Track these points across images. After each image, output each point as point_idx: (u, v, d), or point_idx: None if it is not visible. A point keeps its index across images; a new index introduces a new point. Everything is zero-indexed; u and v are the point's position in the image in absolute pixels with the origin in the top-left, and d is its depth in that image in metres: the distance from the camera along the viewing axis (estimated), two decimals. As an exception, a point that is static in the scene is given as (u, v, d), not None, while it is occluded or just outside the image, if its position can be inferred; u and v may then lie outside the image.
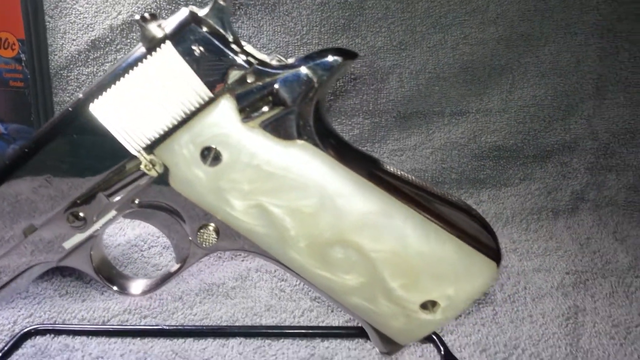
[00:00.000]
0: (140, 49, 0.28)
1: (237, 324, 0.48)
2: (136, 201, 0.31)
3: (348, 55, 0.28)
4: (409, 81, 0.70)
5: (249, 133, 0.29)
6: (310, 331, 0.46)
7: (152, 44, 0.28)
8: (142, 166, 0.30)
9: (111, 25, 0.67)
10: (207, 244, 0.32)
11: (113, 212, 0.32)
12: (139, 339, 0.45)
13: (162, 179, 0.30)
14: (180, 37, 0.28)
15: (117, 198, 0.31)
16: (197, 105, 0.29)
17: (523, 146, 0.71)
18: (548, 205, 0.68)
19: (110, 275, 0.35)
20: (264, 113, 0.28)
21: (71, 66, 0.66)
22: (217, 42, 0.28)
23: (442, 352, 0.44)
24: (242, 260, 0.57)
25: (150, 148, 0.30)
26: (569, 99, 0.71)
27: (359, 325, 0.47)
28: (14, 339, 0.44)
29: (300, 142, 0.29)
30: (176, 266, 0.34)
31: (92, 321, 0.47)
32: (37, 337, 0.45)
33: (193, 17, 0.28)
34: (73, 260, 0.33)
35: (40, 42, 0.52)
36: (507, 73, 0.70)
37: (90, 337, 0.45)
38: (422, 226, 0.30)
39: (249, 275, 0.54)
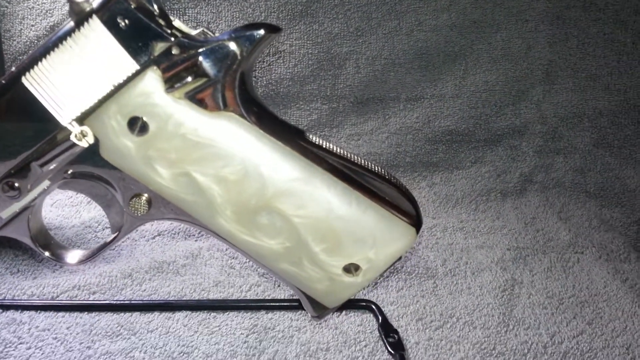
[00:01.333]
0: (70, 23, 0.30)
1: (184, 299, 0.49)
2: (69, 171, 0.33)
3: (271, 29, 0.30)
4: (365, 67, 0.72)
5: (175, 104, 0.30)
6: (253, 304, 0.48)
7: (80, 18, 0.29)
8: (72, 137, 0.31)
9: (68, 9, 0.67)
10: (138, 212, 0.33)
11: (47, 182, 0.33)
12: (86, 313, 0.47)
13: (93, 149, 0.32)
14: (106, 11, 0.29)
15: (50, 167, 0.32)
16: (124, 77, 0.30)
17: (475, 130, 0.73)
18: (497, 187, 0.70)
19: (47, 244, 0.36)
20: (187, 83, 0.29)
21: (29, 52, 0.66)
22: (141, 16, 0.29)
23: (380, 321, 0.46)
24: (195, 240, 0.58)
25: (80, 119, 0.31)
26: (519, 84, 0.74)
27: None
28: (-38, 314, 0.45)
29: (225, 113, 0.31)
30: (112, 236, 0.35)
31: (41, 297, 0.48)
32: (-14, 311, 0.46)
33: (117, -11, 0.29)
34: (11, 230, 0.34)
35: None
36: (460, 59, 0.73)
37: (38, 311, 0.46)
38: (344, 194, 0.32)
39: (200, 253, 0.55)
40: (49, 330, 0.44)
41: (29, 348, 0.42)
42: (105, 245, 0.35)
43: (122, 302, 0.47)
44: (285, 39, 0.71)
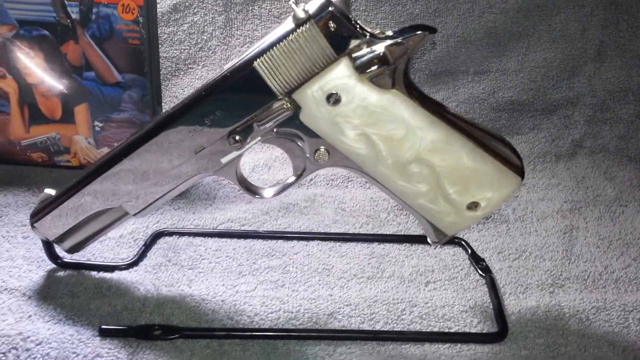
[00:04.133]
0: (290, 24, 0.42)
1: (313, 231, 0.62)
2: (274, 130, 0.45)
3: (430, 30, 0.42)
4: (441, 44, 0.83)
5: (360, 83, 0.42)
6: (370, 237, 0.61)
7: (300, 22, 0.41)
8: (284, 105, 0.43)
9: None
10: (321, 161, 0.46)
11: (258, 137, 0.45)
12: (242, 239, 0.60)
13: (295, 114, 0.44)
14: (320, 17, 0.41)
15: (264, 127, 0.44)
16: (326, 64, 0.42)
17: (534, 101, 0.84)
18: (552, 150, 0.82)
19: (246, 185, 0.49)
20: (372, 70, 0.41)
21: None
22: (344, 20, 0.41)
23: (469, 252, 0.59)
24: (307, 188, 0.71)
25: (290, 93, 0.43)
26: (574, 61, 0.84)
27: (406, 234, 0.63)
28: (151, 237, 0.58)
29: (393, 90, 0.43)
30: (293, 178, 0.48)
31: (204, 227, 0.62)
32: (166, 237, 0.60)
33: (328, 2, 0.41)
34: (224, 172, 0.47)
35: (152, 6, 0.64)
36: (524, 38, 0.83)
37: (206, 237, 0.60)
38: (472, 150, 0.44)
39: (316, 198, 0.68)
40: (220, 250, 0.58)
41: (210, 262, 0.56)
42: (292, 184, 0.48)
43: (269, 232, 0.61)
44: (372, 18, 0.82)
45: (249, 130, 0.44)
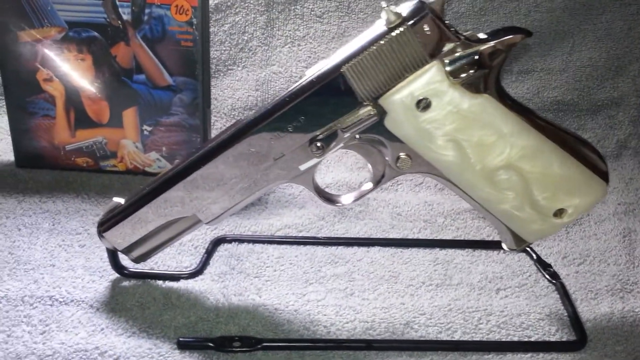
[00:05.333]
0: (381, 27, 0.40)
1: (372, 237, 0.61)
2: (356, 136, 0.44)
3: (526, 33, 0.41)
4: (484, 43, 0.81)
5: (452, 88, 0.41)
6: (433, 243, 0.60)
7: (393, 25, 0.39)
8: (371, 111, 0.42)
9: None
10: (404, 168, 0.44)
11: (341, 144, 0.44)
12: (302, 245, 0.59)
13: (381, 120, 0.43)
14: (415, 20, 0.39)
15: (348, 134, 0.43)
16: (418, 69, 0.41)
17: (578, 101, 0.83)
18: (598, 151, 0.81)
19: (321, 192, 0.47)
20: (467, 74, 0.40)
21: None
22: (439, 23, 0.39)
23: (535, 258, 0.58)
24: (357, 191, 0.70)
25: (376, 98, 0.42)
26: (619, 61, 0.83)
27: (467, 239, 0.61)
28: (212, 244, 0.57)
29: (484, 94, 0.41)
30: (371, 185, 0.47)
31: (261, 233, 0.60)
32: (225, 244, 0.58)
33: (422, 4, 0.39)
34: (300, 180, 0.46)
35: (205, 7, 0.62)
36: (569, 37, 0.82)
37: (265, 244, 0.59)
38: (562, 156, 0.43)
39: (369, 203, 0.67)
40: (282, 257, 0.57)
41: (275, 270, 0.55)
42: (370, 190, 0.47)
43: (328, 238, 0.60)
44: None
45: (333, 137, 0.43)
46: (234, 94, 0.81)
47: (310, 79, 0.42)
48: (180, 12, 0.61)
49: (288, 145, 0.44)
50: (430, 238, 0.62)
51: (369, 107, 0.42)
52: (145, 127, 0.66)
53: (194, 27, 0.62)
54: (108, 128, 0.67)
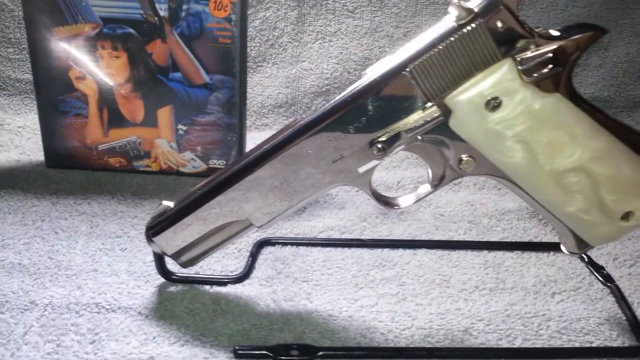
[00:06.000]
0: (450, 24, 0.38)
1: (417, 239, 0.59)
2: (419, 137, 0.42)
3: (602, 30, 0.39)
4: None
5: (524, 87, 0.39)
6: (482, 245, 0.59)
7: (465, 21, 0.38)
8: (436, 111, 0.40)
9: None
10: (467, 170, 0.43)
11: (402, 145, 0.42)
12: (346, 248, 0.57)
13: (446, 121, 0.41)
14: (489, 16, 0.37)
15: (411, 135, 0.41)
16: (489, 66, 0.39)
17: (615, 97, 0.81)
18: (636, 149, 0.79)
19: (379, 196, 0.46)
20: (540, 72, 0.38)
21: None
22: (513, 19, 0.38)
23: (587, 260, 0.57)
24: (396, 191, 0.68)
25: (442, 97, 0.40)
26: (657, 56, 0.82)
27: (516, 241, 0.60)
28: (256, 247, 0.55)
29: (556, 94, 0.40)
30: (429, 187, 0.45)
31: (303, 236, 0.59)
32: (269, 247, 0.57)
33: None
34: (358, 182, 0.44)
35: (244, 3, 0.60)
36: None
37: (308, 247, 0.57)
38: (631, 157, 0.42)
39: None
40: (329, 261, 0.55)
41: (322, 274, 0.53)
42: (429, 192, 0.45)
43: (373, 240, 0.58)
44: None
45: (395, 138, 0.41)
46: (264, 91, 0.80)
47: (374, 78, 0.40)
48: (219, 8, 0.59)
49: (347, 147, 0.42)
50: (478, 240, 0.60)
51: (435, 108, 0.40)
52: (180, 126, 0.65)
53: (232, 23, 0.60)
54: (142, 127, 0.65)
